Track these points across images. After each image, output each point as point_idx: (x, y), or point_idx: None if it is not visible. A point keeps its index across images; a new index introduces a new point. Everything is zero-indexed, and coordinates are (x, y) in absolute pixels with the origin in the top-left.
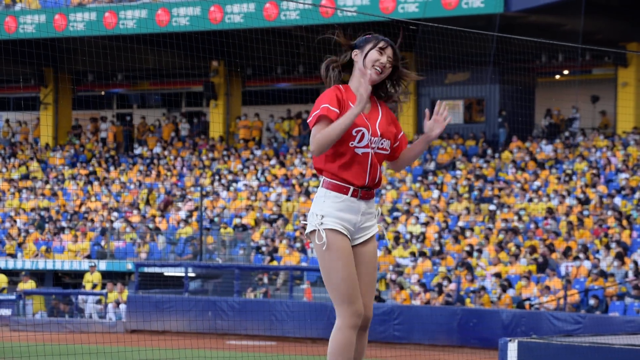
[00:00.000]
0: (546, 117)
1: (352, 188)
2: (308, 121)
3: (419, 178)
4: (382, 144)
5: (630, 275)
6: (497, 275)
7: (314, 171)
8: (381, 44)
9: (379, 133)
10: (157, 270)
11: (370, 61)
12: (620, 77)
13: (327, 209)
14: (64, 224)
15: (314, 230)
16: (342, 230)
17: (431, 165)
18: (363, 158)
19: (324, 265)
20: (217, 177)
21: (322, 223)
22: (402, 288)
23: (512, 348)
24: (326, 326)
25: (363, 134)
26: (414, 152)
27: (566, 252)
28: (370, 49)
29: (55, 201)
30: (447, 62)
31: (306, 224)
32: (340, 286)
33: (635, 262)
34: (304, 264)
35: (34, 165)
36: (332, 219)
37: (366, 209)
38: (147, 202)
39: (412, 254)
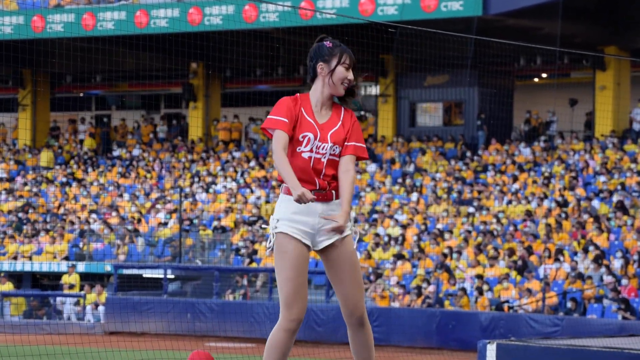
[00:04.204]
0: (529, 124)
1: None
2: (263, 126)
3: (399, 180)
4: (333, 150)
5: (607, 277)
6: (479, 277)
7: None
8: (346, 60)
9: (329, 140)
10: (136, 272)
11: (339, 80)
12: (598, 81)
13: (282, 213)
14: (42, 225)
15: (271, 235)
16: (295, 235)
17: (410, 168)
18: (308, 162)
19: (275, 267)
20: (196, 179)
21: (276, 227)
22: (382, 290)
23: (491, 350)
24: (304, 328)
25: (309, 139)
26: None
27: (545, 255)
28: (337, 65)
29: (33, 202)
30: (426, 65)
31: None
32: (283, 288)
33: (606, 265)
34: None
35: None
36: (286, 223)
37: (325, 210)
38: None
39: (394, 256)
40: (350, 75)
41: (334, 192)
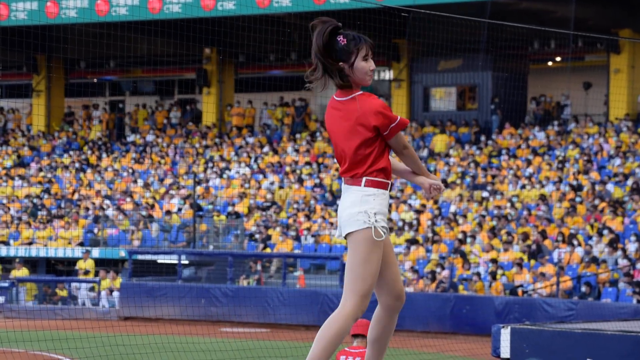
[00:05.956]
0: (538, 104)
1: (389, 183)
2: (391, 127)
3: None
4: None
5: (622, 261)
6: (494, 261)
7: (307, 159)
8: (362, 52)
9: None
10: (150, 257)
11: (364, 75)
12: (612, 64)
13: (378, 207)
14: (56, 211)
15: (366, 228)
16: (386, 232)
17: (424, 153)
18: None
19: (363, 257)
20: (210, 165)
21: (377, 220)
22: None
23: (505, 334)
24: (319, 313)
25: None
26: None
27: (559, 239)
28: (355, 59)
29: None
30: (439, 49)
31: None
32: (367, 279)
33: (622, 249)
34: (297, 251)
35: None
36: (382, 217)
37: None
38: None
39: (408, 241)
40: (372, 65)
41: None
